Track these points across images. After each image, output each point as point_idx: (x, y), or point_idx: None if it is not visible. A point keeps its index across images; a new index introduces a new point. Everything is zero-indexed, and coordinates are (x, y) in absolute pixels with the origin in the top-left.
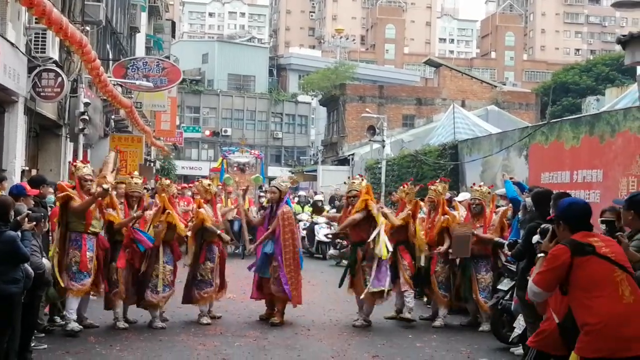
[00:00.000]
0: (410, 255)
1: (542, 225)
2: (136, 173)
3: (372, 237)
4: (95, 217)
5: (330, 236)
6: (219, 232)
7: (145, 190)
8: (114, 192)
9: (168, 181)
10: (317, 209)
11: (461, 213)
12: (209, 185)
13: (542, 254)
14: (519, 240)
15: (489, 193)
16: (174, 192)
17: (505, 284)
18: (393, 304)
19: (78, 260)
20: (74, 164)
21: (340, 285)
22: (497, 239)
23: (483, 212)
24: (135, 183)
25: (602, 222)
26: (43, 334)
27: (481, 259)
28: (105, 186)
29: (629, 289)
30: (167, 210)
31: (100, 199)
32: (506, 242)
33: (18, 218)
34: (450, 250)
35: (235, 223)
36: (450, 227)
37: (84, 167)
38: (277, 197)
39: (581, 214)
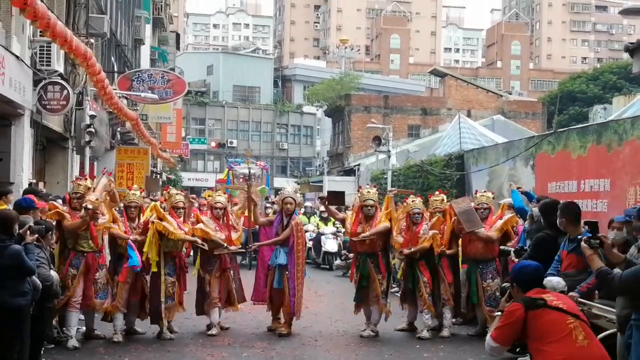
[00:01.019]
0: (430, 271)
1: (503, 284)
2: (135, 186)
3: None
4: (84, 236)
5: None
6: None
7: (149, 201)
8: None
9: (175, 191)
10: (335, 199)
11: None
12: (210, 196)
13: (498, 313)
14: (526, 247)
15: (493, 198)
16: (176, 202)
17: None
18: (405, 315)
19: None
20: (74, 181)
21: (356, 301)
22: (503, 247)
23: (489, 216)
24: (133, 194)
25: (585, 223)
26: (52, 345)
27: (486, 264)
28: (88, 206)
29: (583, 334)
30: (153, 220)
31: (90, 220)
32: (512, 250)
33: (20, 231)
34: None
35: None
36: (452, 203)
37: (78, 184)
38: (294, 208)
39: (531, 275)
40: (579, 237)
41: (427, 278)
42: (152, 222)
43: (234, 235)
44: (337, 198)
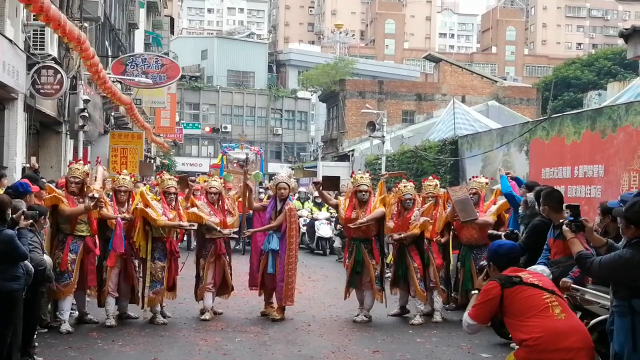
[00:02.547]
0: (421, 257)
1: (481, 263)
2: (125, 171)
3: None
4: (83, 221)
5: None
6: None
7: (142, 186)
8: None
9: (168, 176)
10: (330, 184)
11: None
12: (205, 181)
13: (475, 291)
14: (516, 231)
15: (486, 184)
16: (168, 187)
17: None
18: (397, 299)
19: (60, 261)
20: (69, 165)
21: (350, 286)
22: (491, 231)
23: (480, 202)
24: (123, 178)
25: (567, 207)
26: (46, 329)
27: (480, 249)
28: (95, 195)
29: (560, 308)
30: (138, 206)
31: (94, 209)
32: (503, 234)
33: (14, 216)
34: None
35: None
36: (449, 190)
37: (76, 168)
38: (287, 193)
39: (506, 255)
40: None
41: (417, 264)
42: (136, 208)
43: (229, 220)
44: (331, 183)
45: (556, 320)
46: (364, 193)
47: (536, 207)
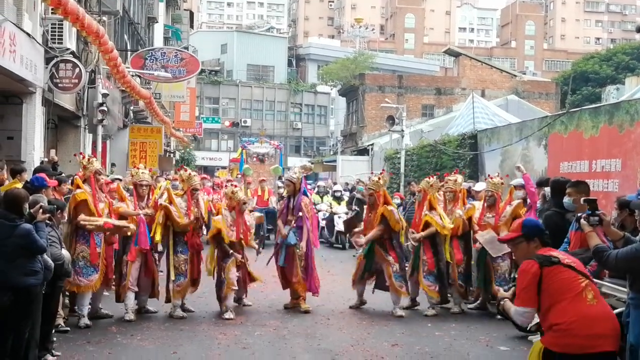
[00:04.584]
0: (432, 251)
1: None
2: (141, 165)
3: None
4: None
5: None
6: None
7: (163, 180)
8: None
9: (188, 172)
10: (350, 225)
11: (477, 206)
12: (233, 193)
13: (504, 292)
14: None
15: (501, 184)
16: (195, 184)
17: None
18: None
19: (86, 255)
20: (83, 158)
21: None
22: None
23: (496, 203)
24: (142, 172)
25: (585, 200)
26: (67, 329)
27: None
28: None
29: (592, 293)
30: (162, 202)
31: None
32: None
33: (32, 210)
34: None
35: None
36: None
37: (142, 172)
38: (292, 189)
39: (540, 227)
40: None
41: (427, 257)
42: (160, 205)
43: (248, 235)
44: (350, 224)
45: (589, 306)
46: (370, 197)
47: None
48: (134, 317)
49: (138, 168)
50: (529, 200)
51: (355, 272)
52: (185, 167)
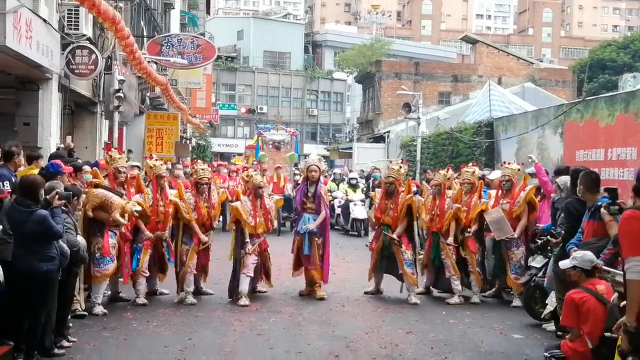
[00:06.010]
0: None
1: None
2: (155, 156)
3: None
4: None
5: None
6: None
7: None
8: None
9: (201, 166)
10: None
11: (492, 195)
12: (249, 177)
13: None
14: (553, 229)
15: (518, 170)
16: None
17: (538, 261)
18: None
19: (100, 247)
20: (109, 153)
21: (379, 270)
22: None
23: (512, 188)
24: (161, 165)
25: (605, 189)
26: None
27: (511, 239)
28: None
29: None
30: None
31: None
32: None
33: (48, 196)
34: (493, 234)
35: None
36: (484, 214)
37: (119, 158)
38: (318, 175)
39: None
40: (597, 204)
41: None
42: (171, 200)
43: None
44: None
45: None
46: (389, 185)
47: (570, 187)
48: (146, 301)
49: (151, 158)
50: (542, 190)
51: (371, 265)
52: (197, 162)
